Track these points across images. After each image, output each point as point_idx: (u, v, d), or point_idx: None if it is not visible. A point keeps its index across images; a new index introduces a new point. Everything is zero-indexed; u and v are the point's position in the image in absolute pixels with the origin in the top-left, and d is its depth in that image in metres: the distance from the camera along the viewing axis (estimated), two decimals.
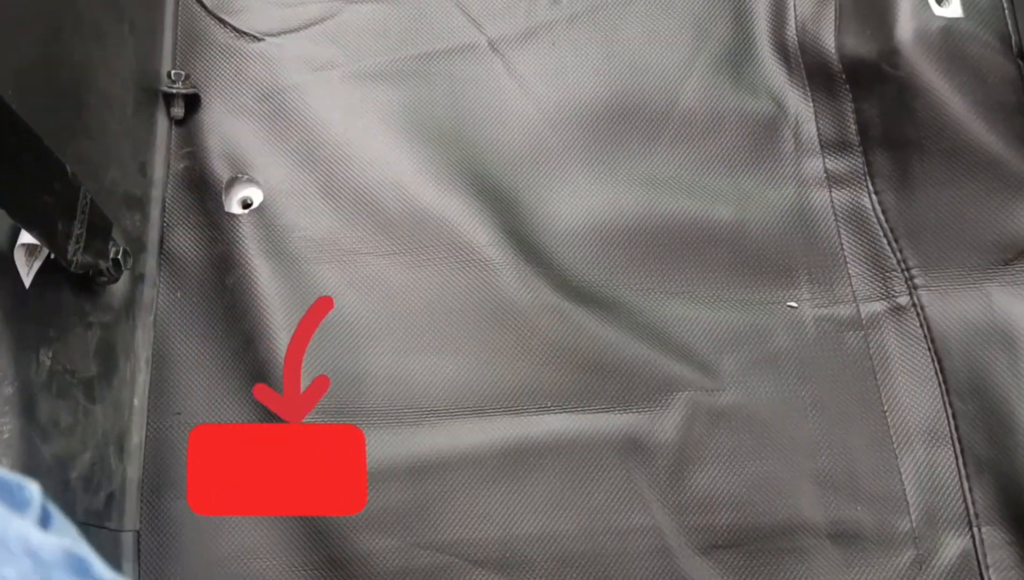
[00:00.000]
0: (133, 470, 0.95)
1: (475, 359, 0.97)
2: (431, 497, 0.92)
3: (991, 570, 0.90)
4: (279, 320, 0.96)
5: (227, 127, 1.06)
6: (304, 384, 0.94)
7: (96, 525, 0.89)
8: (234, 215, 1.02)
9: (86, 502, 0.89)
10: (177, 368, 0.98)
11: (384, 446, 0.93)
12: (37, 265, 0.81)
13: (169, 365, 0.98)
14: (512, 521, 0.92)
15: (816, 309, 1.01)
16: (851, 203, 1.05)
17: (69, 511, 0.87)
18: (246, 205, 1.04)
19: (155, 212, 1.05)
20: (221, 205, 1.03)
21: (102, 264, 0.87)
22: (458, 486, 0.93)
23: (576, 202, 1.04)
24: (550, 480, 0.93)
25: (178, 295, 1.00)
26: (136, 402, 0.97)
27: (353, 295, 0.99)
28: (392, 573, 0.90)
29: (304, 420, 0.93)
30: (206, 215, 1.03)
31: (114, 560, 0.90)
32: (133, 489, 0.94)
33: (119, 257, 0.91)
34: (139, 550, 0.92)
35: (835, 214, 1.05)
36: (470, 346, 0.97)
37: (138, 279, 1.00)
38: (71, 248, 0.80)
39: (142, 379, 0.98)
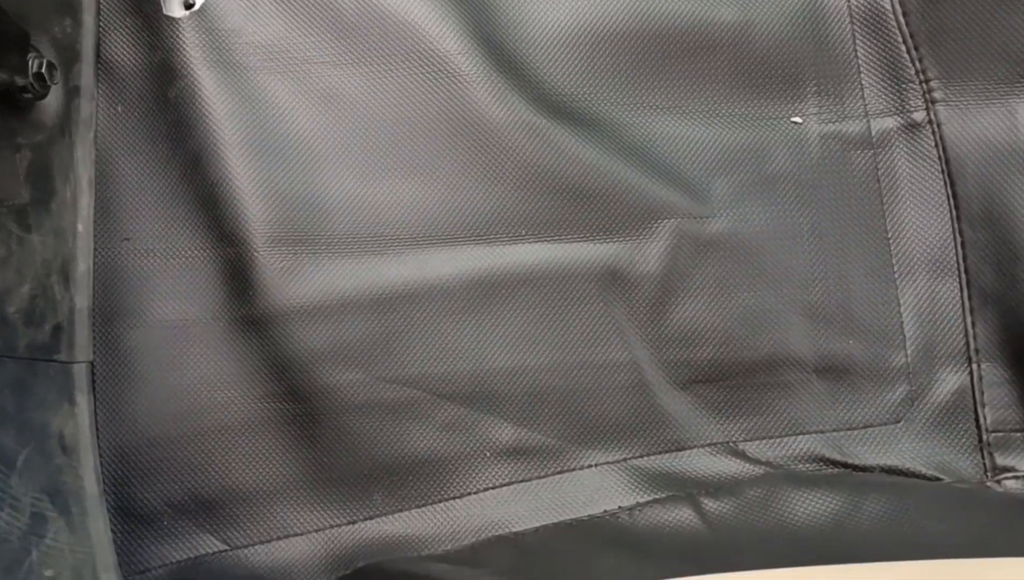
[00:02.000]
0: (81, 299, 0.89)
1: (443, 183, 0.89)
2: (397, 330, 0.87)
3: (987, 408, 0.85)
4: (227, 137, 0.88)
5: None
6: (256, 209, 0.87)
7: (44, 359, 0.85)
8: (174, 18, 0.91)
9: (29, 336, 0.84)
10: (123, 190, 0.90)
11: (346, 277, 0.87)
12: None
13: (114, 187, 0.90)
14: (482, 355, 0.87)
15: (822, 125, 0.92)
16: (869, 3, 0.93)
17: (9, 347, 0.83)
18: (188, 6, 0.92)
19: (88, 17, 0.93)
20: (160, 6, 0.91)
21: (19, 80, 0.78)
22: (425, 319, 0.87)
23: (558, 3, 0.92)
24: (523, 313, 0.87)
25: (119, 109, 0.91)
26: (80, 228, 0.90)
27: (307, 110, 0.89)
28: (357, 407, 0.86)
29: (258, 249, 0.86)
30: (144, 18, 0.92)
31: (66, 393, 0.86)
32: (83, 319, 0.89)
33: (43, 70, 0.81)
34: (93, 382, 0.88)
35: (851, 16, 0.93)
36: (438, 168, 0.89)
37: (73, 92, 0.91)
38: None
39: (85, 202, 0.91)
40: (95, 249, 0.90)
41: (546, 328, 0.87)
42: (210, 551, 0.86)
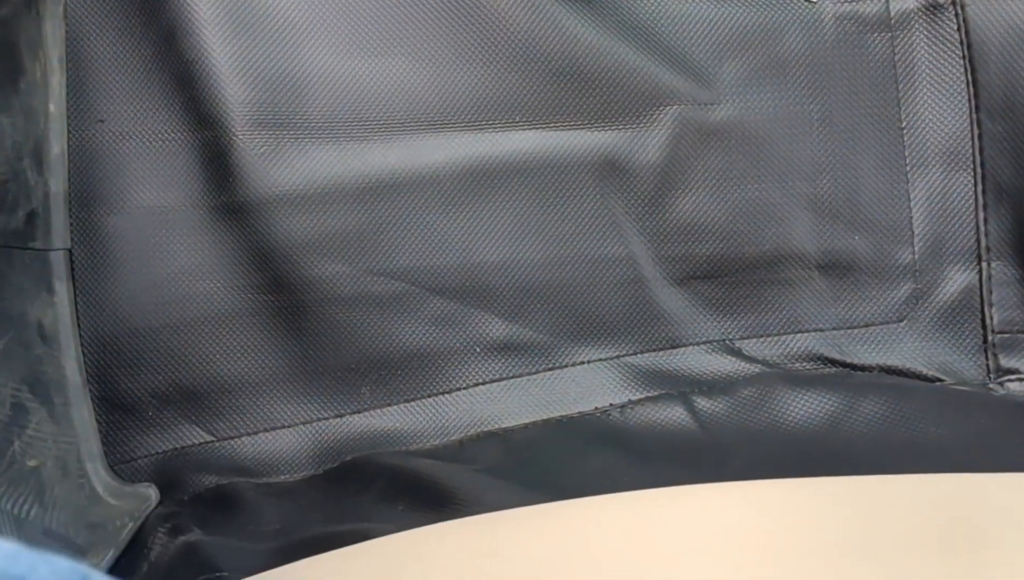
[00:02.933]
0: (56, 183, 0.85)
1: (432, 62, 0.83)
2: (383, 221, 0.83)
3: (994, 308, 0.83)
4: (203, 11, 0.82)
5: None
6: (234, 89, 0.82)
7: (19, 246, 0.82)
8: None
9: (2, 223, 0.81)
10: (95, 68, 0.85)
11: (329, 164, 0.83)
12: None
13: (86, 65, 0.85)
14: (473, 248, 0.84)
15: (838, 4, 0.86)
16: None
17: None
18: None
19: None
20: None
21: None
22: (413, 209, 0.83)
23: None
24: (516, 204, 0.84)
25: None
26: (52, 108, 0.85)
27: None
28: (344, 299, 0.84)
29: (237, 133, 0.82)
30: None
31: (44, 281, 0.83)
32: (59, 205, 0.85)
33: None
34: (72, 270, 0.85)
35: None
36: (428, 46, 0.84)
37: None
38: None
39: (56, 81, 0.86)
40: (68, 131, 0.86)
41: (540, 220, 0.84)
42: (196, 442, 0.85)
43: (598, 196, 0.84)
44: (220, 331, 0.85)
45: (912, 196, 0.84)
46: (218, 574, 0.66)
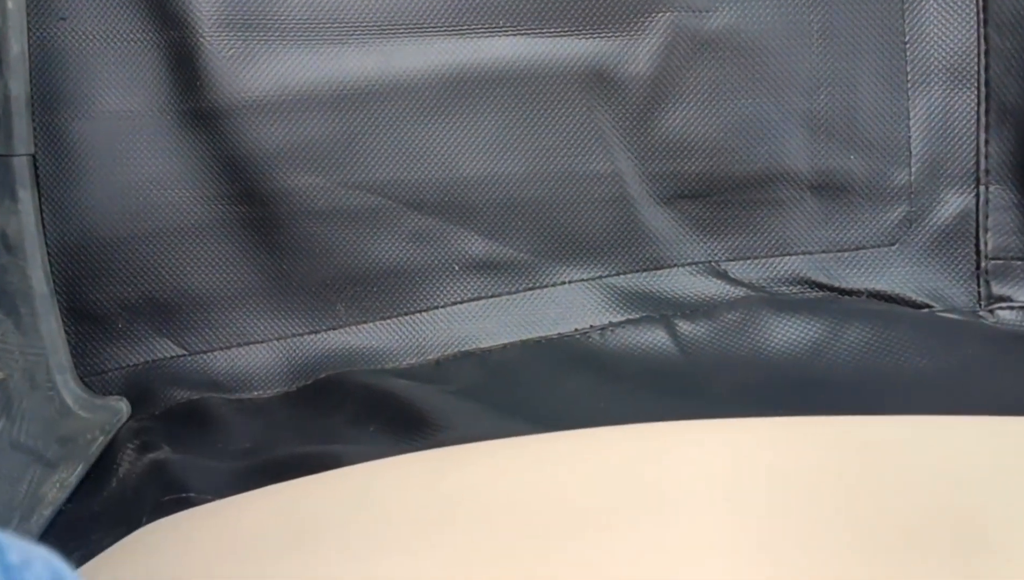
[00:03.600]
0: (17, 85, 0.81)
1: None
2: (359, 130, 0.80)
3: (989, 233, 0.80)
4: None
5: None
6: None
7: None
8: None
9: None
10: None
11: (302, 68, 0.78)
12: None
13: None
14: (453, 161, 0.80)
15: None
16: None
17: None
18: None
19: None
20: None
21: None
22: (391, 118, 0.80)
23: None
24: (498, 115, 0.80)
25: None
26: (10, 4, 0.81)
27: None
28: (318, 213, 0.81)
29: (205, 34, 0.78)
30: None
31: (7, 188, 0.80)
32: (21, 108, 0.81)
33: None
34: (37, 176, 0.82)
35: None
36: None
37: None
38: None
39: None
40: (28, 30, 0.81)
41: (522, 133, 0.80)
42: (168, 355, 0.83)
43: (584, 108, 0.80)
44: (190, 242, 0.82)
45: (912, 114, 0.80)
46: (184, 494, 0.65)
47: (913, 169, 0.81)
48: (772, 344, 0.75)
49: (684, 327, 0.79)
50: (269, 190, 0.80)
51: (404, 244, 0.82)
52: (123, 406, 0.82)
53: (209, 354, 0.83)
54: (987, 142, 0.80)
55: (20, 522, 0.73)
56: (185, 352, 0.83)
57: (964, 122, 0.80)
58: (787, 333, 0.76)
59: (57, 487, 0.75)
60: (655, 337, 0.79)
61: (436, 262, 0.82)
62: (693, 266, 0.82)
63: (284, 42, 0.78)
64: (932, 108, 0.80)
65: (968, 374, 0.69)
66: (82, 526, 0.69)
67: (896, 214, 0.81)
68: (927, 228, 0.81)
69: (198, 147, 0.80)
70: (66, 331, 0.82)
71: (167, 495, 0.65)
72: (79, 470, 0.77)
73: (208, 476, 0.67)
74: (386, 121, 0.80)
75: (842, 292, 0.81)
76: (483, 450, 0.58)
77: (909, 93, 0.80)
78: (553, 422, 0.68)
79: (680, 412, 0.64)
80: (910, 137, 0.80)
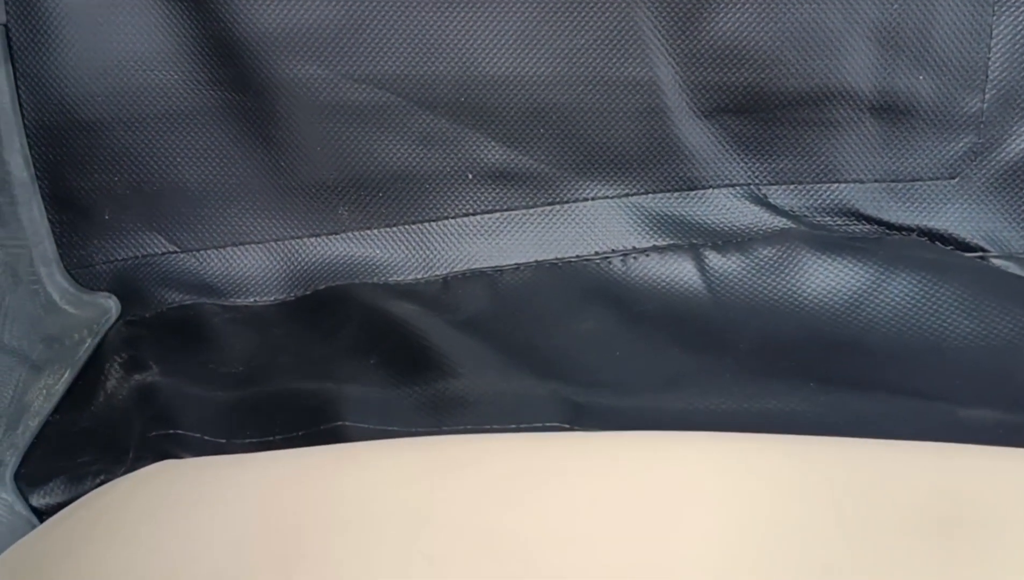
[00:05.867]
0: None
1: None
2: (366, 16, 0.70)
3: None
4: None
5: None
6: None
7: None
8: None
9: None
10: None
11: None
12: None
13: None
14: (472, 57, 0.71)
15: None
16: None
17: None
18: None
19: None
20: None
21: None
22: (403, 3, 0.70)
23: None
24: (525, 9, 0.70)
25: None
26: None
27: None
28: (319, 107, 0.73)
29: None
30: None
31: None
32: None
33: None
34: (10, 49, 0.73)
35: None
36: None
37: None
38: None
39: None
40: None
41: (552, 30, 0.71)
42: (158, 251, 0.78)
43: (623, 5, 0.70)
44: (180, 130, 0.75)
45: (994, 33, 0.70)
46: (172, 431, 0.61)
47: (987, 96, 0.71)
48: (808, 290, 0.69)
49: (714, 260, 0.72)
50: (266, 78, 0.72)
51: (413, 146, 0.74)
52: (112, 304, 0.78)
53: (202, 252, 0.77)
54: None
55: (6, 432, 0.70)
56: (177, 249, 0.78)
57: None
58: (826, 278, 0.69)
59: (44, 395, 0.72)
60: (681, 270, 0.72)
61: (448, 168, 0.75)
62: (731, 189, 0.75)
63: None
64: (1019, 29, 0.70)
65: (1012, 347, 0.63)
66: (68, 443, 0.67)
67: (962, 145, 0.73)
68: (993, 163, 0.73)
69: (188, 26, 0.72)
70: (49, 220, 0.77)
71: (155, 430, 0.62)
72: (66, 376, 0.73)
73: (198, 409, 0.63)
74: (397, 6, 0.70)
75: (891, 227, 0.74)
76: (471, 445, 0.53)
77: (995, 8, 0.70)
78: (560, 367, 0.63)
79: (697, 370, 0.59)
80: (989, 59, 0.71)
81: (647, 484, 0.47)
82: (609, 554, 0.44)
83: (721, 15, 0.70)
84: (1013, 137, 0.72)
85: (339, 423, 0.60)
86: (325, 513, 0.47)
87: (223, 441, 0.60)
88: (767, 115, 0.73)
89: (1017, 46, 0.70)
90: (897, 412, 0.57)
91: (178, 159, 0.76)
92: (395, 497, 0.48)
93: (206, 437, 0.61)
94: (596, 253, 0.75)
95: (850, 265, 0.69)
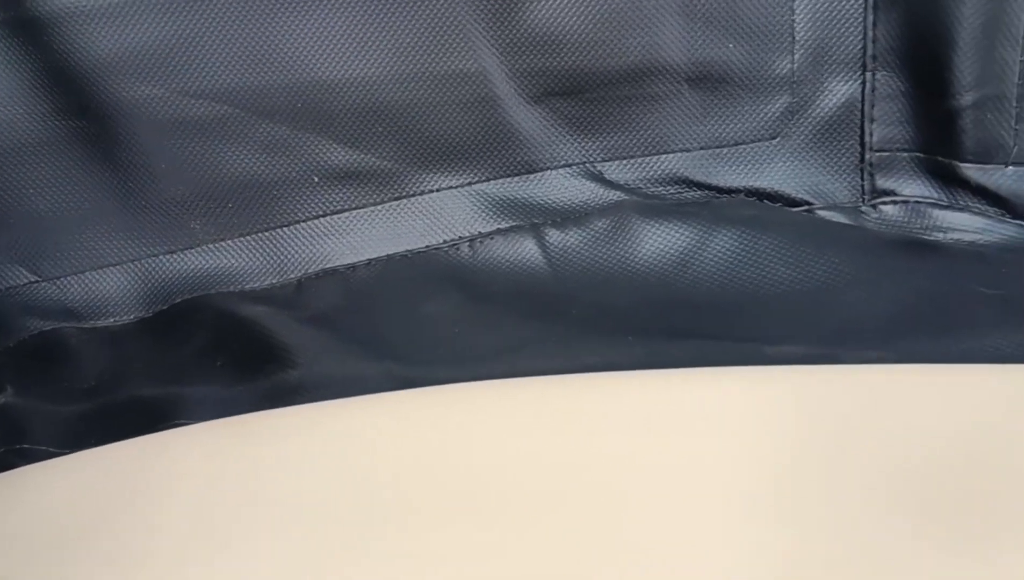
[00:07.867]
0: None
1: None
2: (194, 33, 0.72)
3: (875, 124, 0.75)
4: None
5: None
6: None
7: None
8: None
9: None
10: None
11: None
12: None
13: None
14: (301, 64, 0.74)
15: None
16: None
17: None
18: None
19: None
20: None
21: None
22: (226, 18, 0.72)
23: None
24: (347, 13, 0.72)
25: None
26: None
27: None
28: (160, 125, 0.74)
29: None
30: None
31: None
32: None
33: None
34: None
35: None
36: None
37: None
38: None
39: None
40: None
41: (376, 31, 0.73)
42: (21, 282, 0.79)
43: (443, 2, 0.73)
44: (29, 162, 0.76)
45: None
46: (19, 446, 0.62)
47: (796, 57, 0.75)
48: (639, 255, 0.72)
49: (553, 237, 0.75)
50: (104, 102, 0.74)
51: (256, 155, 0.76)
52: None
53: (63, 279, 0.79)
54: (875, 25, 0.74)
55: None
56: (38, 278, 0.79)
57: (851, 3, 0.74)
58: (655, 242, 0.72)
59: None
60: (524, 249, 0.75)
61: (293, 174, 0.77)
62: (567, 168, 0.78)
63: None
64: None
65: (825, 287, 0.66)
66: None
67: (777, 106, 0.76)
68: (810, 120, 0.77)
69: (24, 59, 0.73)
70: None
71: (3, 446, 0.63)
72: None
73: (47, 424, 0.65)
74: (221, 21, 0.72)
75: (720, 191, 0.77)
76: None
77: None
78: (408, 354, 0.65)
79: (531, 338, 0.61)
80: (794, 22, 0.75)
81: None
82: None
83: (535, 4, 0.74)
84: (825, 93, 0.76)
85: (177, 422, 0.61)
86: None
87: (67, 451, 0.62)
88: (592, 95, 0.76)
89: (817, 6, 0.74)
90: (706, 355, 0.60)
91: (30, 191, 0.77)
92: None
93: (51, 448, 0.62)
94: (445, 241, 0.77)
95: (677, 226, 0.73)
